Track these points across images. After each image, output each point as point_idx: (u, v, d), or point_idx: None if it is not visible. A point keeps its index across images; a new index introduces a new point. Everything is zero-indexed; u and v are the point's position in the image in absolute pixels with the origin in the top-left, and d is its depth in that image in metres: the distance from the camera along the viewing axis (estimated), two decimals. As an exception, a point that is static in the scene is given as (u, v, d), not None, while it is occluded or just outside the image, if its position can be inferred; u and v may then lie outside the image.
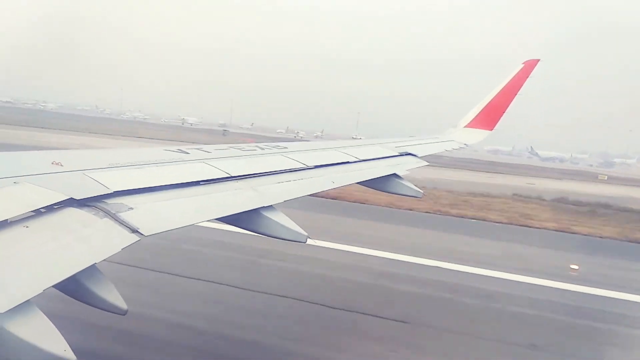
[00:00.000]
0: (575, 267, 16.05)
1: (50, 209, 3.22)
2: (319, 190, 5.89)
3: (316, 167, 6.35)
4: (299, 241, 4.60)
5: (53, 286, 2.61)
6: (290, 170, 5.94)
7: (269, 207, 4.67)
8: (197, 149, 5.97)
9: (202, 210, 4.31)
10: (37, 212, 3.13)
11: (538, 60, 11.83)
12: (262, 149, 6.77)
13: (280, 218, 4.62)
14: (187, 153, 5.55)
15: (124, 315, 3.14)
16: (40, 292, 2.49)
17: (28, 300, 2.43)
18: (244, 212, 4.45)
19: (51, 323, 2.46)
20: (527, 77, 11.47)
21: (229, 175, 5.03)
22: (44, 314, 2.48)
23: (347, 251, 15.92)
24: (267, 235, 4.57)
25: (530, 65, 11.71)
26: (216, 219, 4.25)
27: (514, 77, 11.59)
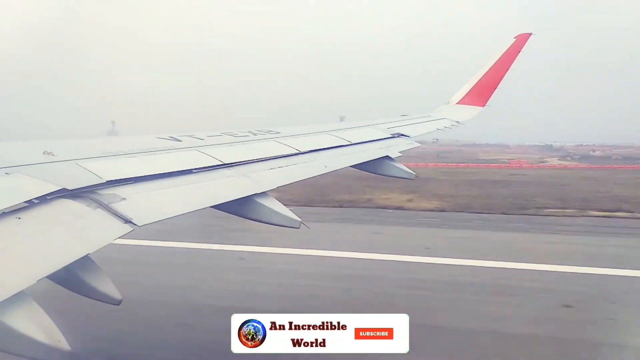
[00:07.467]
0: None
1: (43, 199, 3.25)
2: (312, 175, 5.90)
3: (309, 152, 6.36)
4: (292, 227, 4.63)
5: (47, 277, 2.65)
6: (283, 156, 5.95)
7: (262, 194, 4.70)
8: (190, 136, 5.96)
9: (194, 199, 4.34)
10: (30, 203, 3.15)
11: (530, 34, 11.68)
12: (255, 134, 6.77)
13: (273, 204, 4.66)
14: (180, 141, 5.55)
15: (118, 305, 3.18)
16: (34, 282, 2.53)
17: (22, 291, 2.47)
18: (236, 199, 4.49)
19: (45, 313, 2.51)
20: (519, 51, 11.36)
21: (221, 163, 5.05)
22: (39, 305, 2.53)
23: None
24: (260, 222, 4.61)
25: (522, 39, 11.58)
26: (209, 207, 4.28)
27: (506, 51, 11.48)
